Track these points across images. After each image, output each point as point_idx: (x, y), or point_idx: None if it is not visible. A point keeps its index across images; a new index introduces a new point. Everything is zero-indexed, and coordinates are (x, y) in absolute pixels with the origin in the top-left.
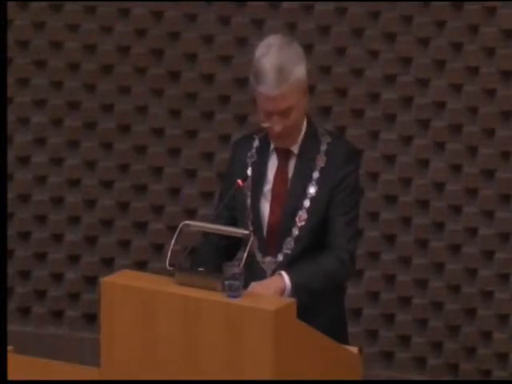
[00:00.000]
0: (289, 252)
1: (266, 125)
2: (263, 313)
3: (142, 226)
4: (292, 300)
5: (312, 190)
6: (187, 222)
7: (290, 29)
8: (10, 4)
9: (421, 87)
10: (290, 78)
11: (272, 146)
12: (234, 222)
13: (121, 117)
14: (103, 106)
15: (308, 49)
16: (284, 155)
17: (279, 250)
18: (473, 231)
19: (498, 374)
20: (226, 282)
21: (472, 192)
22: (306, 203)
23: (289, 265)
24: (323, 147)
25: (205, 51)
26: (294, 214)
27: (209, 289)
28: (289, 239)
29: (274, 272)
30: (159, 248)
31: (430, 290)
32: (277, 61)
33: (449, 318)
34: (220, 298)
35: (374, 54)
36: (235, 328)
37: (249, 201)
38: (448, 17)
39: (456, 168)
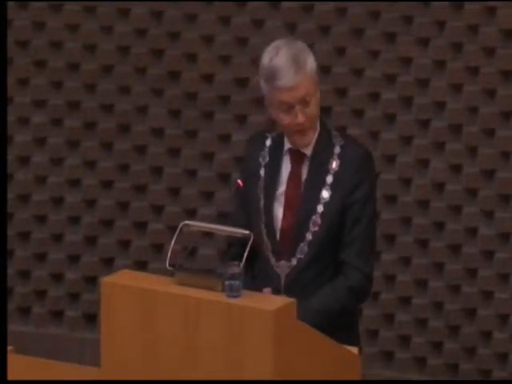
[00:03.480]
0: (302, 256)
1: (287, 121)
2: (263, 313)
3: (141, 226)
4: (292, 300)
5: (326, 194)
6: (187, 221)
7: (290, 29)
8: (10, 4)
9: (421, 87)
10: (305, 66)
11: (285, 148)
12: (249, 225)
13: (121, 117)
14: (103, 106)
15: None
16: (297, 158)
17: (293, 254)
18: (473, 231)
19: (497, 374)
20: (226, 282)
21: (472, 192)
22: (320, 208)
23: (303, 269)
24: (336, 150)
25: (205, 51)
26: (307, 219)
27: (209, 289)
28: (302, 244)
29: (287, 276)
30: (159, 248)
31: (430, 289)
32: (290, 54)
33: (449, 317)
34: (220, 298)
35: (374, 54)
36: (235, 328)
37: (262, 203)
38: (448, 17)
39: (456, 168)
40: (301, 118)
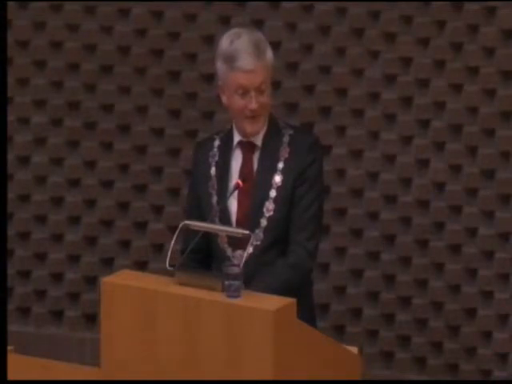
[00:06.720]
0: (259, 243)
1: (241, 104)
2: (263, 313)
3: (142, 226)
4: (292, 300)
5: (277, 179)
6: (187, 221)
7: (290, 29)
8: (10, 4)
9: (421, 87)
10: (265, 54)
11: (235, 142)
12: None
13: (121, 117)
14: (103, 105)
15: (308, 49)
16: (248, 149)
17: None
18: (473, 231)
19: (498, 374)
20: (226, 282)
21: (472, 192)
22: (273, 193)
23: (259, 256)
24: (285, 139)
25: (205, 51)
26: (261, 205)
27: (209, 289)
28: (257, 231)
29: (245, 264)
30: (159, 248)
31: (430, 290)
32: (252, 39)
33: (449, 317)
34: (220, 298)
35: (374, 54)
36: (235, 328)
37: (215, 199)
38: (448, 17)
39: (456, 168)
40: (255, 104)
